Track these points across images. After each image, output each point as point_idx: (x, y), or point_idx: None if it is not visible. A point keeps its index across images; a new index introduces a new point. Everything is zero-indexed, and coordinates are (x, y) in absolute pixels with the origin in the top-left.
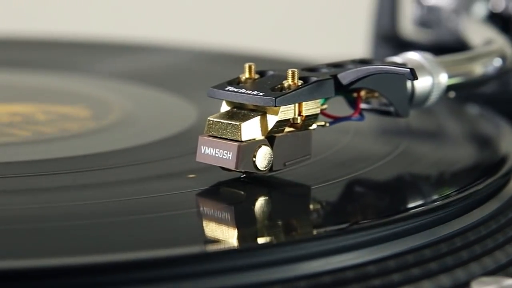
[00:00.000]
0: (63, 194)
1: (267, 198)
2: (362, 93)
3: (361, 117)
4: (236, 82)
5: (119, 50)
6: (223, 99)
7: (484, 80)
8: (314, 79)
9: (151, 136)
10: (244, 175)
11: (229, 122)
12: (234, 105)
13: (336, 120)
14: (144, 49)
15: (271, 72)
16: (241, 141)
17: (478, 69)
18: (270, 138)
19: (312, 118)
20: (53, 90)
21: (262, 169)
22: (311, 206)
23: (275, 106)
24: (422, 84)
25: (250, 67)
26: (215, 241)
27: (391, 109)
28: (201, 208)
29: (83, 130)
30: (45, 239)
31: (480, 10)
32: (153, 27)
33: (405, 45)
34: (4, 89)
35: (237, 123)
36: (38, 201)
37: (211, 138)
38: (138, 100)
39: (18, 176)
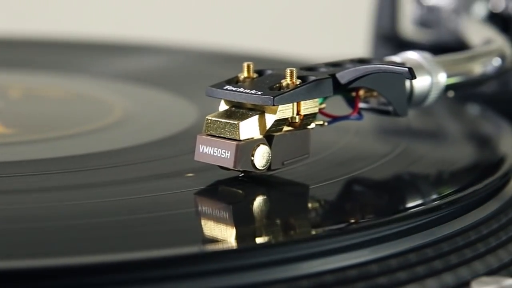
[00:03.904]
0: (63, 193)
1: (266, 197)
2: (361, 92)
3: (360, 116)
4: (235, 81)
5: (119, 50)
6: (221, 98)
7: (483, 79)
8: (312, 78)
9: (150, 135)
10: (243, 174)
11: (228, 121)
12: (232, 104)
13: (334, 119)
14: (144, 49)
15: (269, 71)
16: (240, 140)
17: (477, 68)
18: (268, 137)
19: (311, 117)
20: (53, 90)
21: (260, 168)
22: (310, 206)
23: (274, 105)
24: (420, 83)
25: (248, 66)
26: (214, 240)
27: (390, 108)
28: (200, 207)
29: (82, 130)
30: (44, 239)
31: (480, 10)
32: (153, 27)
33: (405, 45)
34: (3, 89)
35: (236, 122)
36: (38, 200)
37: (209, 137)
38: (137, 100)
39: (18, 175)
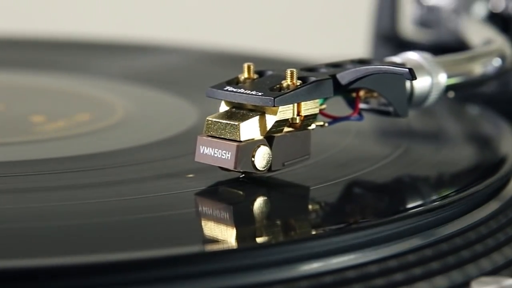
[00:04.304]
0: (63, 193)
1: (266, 198)
2: (361, 93)
3: (360, 117)
4: (235, 82)
5: (119, 50)
6: (222, 99)
7: (483, 80)
8: (313, 79)
9: (151, 136)
10: (243, 175)
11: (228, 122)
12: (233, 105)
13: (335, 120)
14: (144, 49)
15: (270, 72)
16: (240, 141)
17: (478, 69)
18: (269, 138)
19: (311, 118)
20: (53, 90)
21: (261, 169)
22: (310, 207)
23: (274, 106)
24: (421, 84)
25: (249, 67)
26: (214, 241)
27: (390, 109)
28: (200, 208)
29: (83, 130)
30: (44, 239)
31: (480, 10)
32: (153, 27)
33: (405, 45)
34: (4, 90)
35: (236, 123)
36: (38, 200)
37: (210, 138)
38: (138, 101)
39: (18, 175)
